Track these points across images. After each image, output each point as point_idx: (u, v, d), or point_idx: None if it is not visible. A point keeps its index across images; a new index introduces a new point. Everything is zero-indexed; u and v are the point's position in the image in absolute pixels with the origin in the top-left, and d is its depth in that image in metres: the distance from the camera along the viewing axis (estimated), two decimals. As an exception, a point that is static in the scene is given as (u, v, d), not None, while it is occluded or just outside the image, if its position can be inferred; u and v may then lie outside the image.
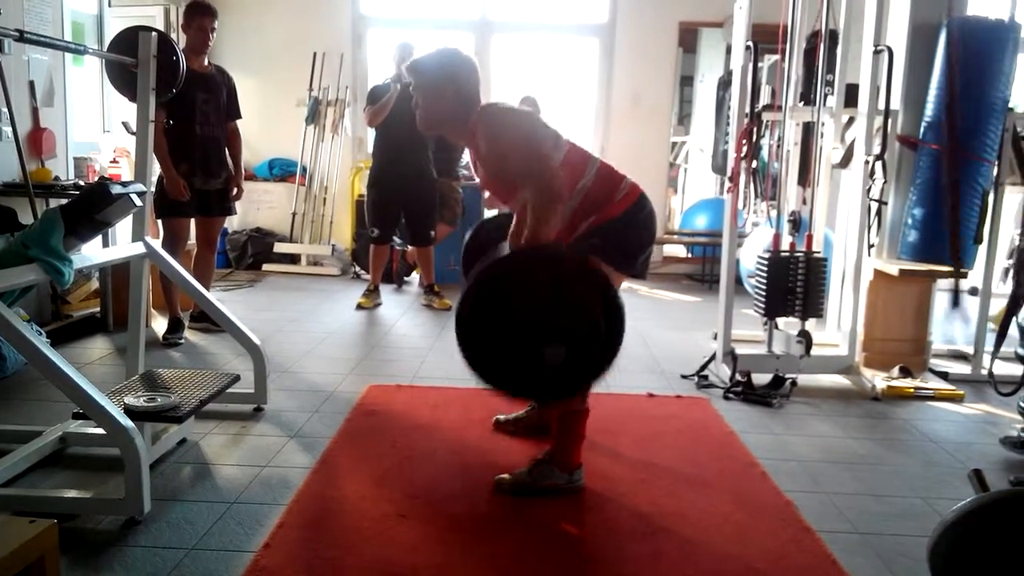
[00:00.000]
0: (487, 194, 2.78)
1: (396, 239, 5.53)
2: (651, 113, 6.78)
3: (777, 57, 4.00)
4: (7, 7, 3.94)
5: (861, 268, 3.67)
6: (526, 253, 2.13)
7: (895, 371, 3.63)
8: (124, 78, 2.73)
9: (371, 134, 5.48)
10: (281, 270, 6.51)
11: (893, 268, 3.62)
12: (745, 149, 3.52)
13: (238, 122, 4.31)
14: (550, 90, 6.72)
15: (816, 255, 3.50)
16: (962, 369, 3.84)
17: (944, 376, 3.71)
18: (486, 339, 2.01)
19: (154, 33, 2.67)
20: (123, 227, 3.25)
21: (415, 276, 6.15)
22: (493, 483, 2.35)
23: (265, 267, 6.52)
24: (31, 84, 4.16)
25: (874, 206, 3.63)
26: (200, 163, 4.05)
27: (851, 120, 3.94)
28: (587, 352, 2.02)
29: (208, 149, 4.09)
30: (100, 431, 2.29)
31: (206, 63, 4.10)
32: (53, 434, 2.48)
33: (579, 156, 2.35)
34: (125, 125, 5.18)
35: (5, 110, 3.69)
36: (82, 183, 4.14)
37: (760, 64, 3.72)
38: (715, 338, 3.73)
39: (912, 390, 3.48)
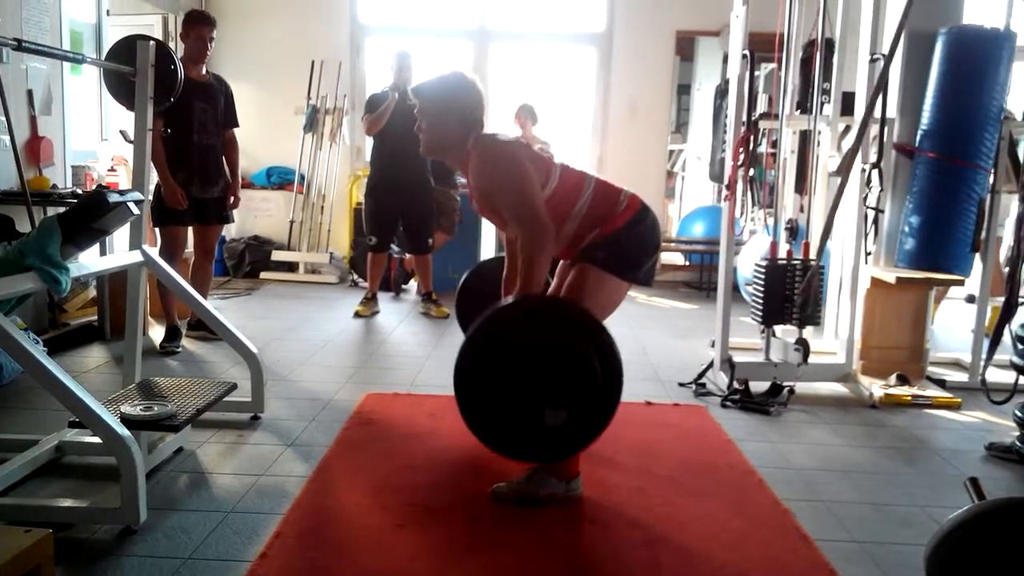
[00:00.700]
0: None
1: (394, 247, 5.53)
2: (648, 121, 6.80)
3: (774, 66, 4.02)
4: (5, 16, 3.95)
5: (858, 276, 3.67)
6: (515, 307, 2.16)
7: (892, 379, 3.63)
8: (122, 87, 2.73)
9: (369, 142, 5.49)
10: (279, 278, 6.50)
11: (890, 276, 3.63)
12: (742, 157, 3.54)
13: (236, 130, 4.31)
14: (548, 99, 6.73)
15: (813, 263, 3.50)
16: (960, 377, 3.85)
17: (942, 384, 3.72)
18: (485, 400, 2.08)
19: (152, 42, 2.68)
20: (121, 235, 3.25)
21: (413, 284, 6.15)
22: (491, 492, 2.34)
23: (263, 275, 6.52)
24: (29, 93, 4.17)
25: (871, 214, 3.64)
26: (198, 171, 4.05)
27: (847, 128, 3.96)
28: (587, 409, 2.07)
29: (206, 157, 4.09)
30: (96, 440, 2.28)
31: (204, 72, 4.11)
32: (49, 443, 2.48)
33: (573, 180, 2.35)
34: (123, 134, 5.20)
35: (3, 118, 3.69)
36: (80, 191, 4.14)
37: (757, 73, 3.74)
38: (712, 346, 3.73)
39: (909, 398, 3.48)
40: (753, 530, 2.20)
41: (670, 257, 7.17)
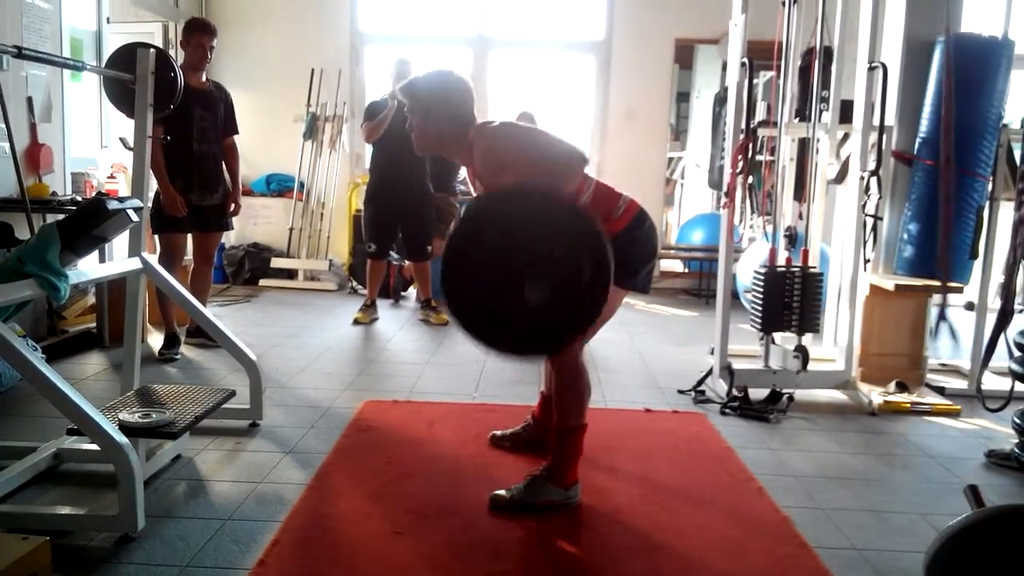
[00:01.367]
0: None
1: (393, 254, 5.54)
2: (647, 129, 6.81)
3: (772, 74, 4.03)
4: (5, 23, 3.96)
5: (857, 283, 3.68)
6: (527, 186, 2.12)
7: (891, 386, 3.63)
8: (122, 94, 2.74)
9: (368, 150, 5.50)
10: (278, 285, 6.50)
11: (889, 283, 3.63)
12: (741, 165, 3.54)
13: (236, 137, 4.32)
14: (547, 106, 6.75)
15: (812, 270, 3.51)
16: (959, 384, 3.85)
17: (941, 391, 3.71)
18: (471, 261, 2.02)
19: (152, 50, 2.69)
20: (120, 242, 3.25)
21: (412, 291, 6.15)
22: (489, 499, 2.34)
23: (262, 282, 6.52)
24: (29, 100, 4.18)
25: (870, 221, 3.65)
26: (197, 179, 4.06)
27: (846, 136, 3.97)
28: (568, 296, 1.99)
29: (205, 165, 4.10)
30: (94, 447, 2.28)
31: (204, 79, 4.12)
32: (47, 450, 2.47)
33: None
34: (123, 141, 5.18)
35: (3, 125, 3.69)
36: (79, 198, 4.14)
37: (755, 80, 3.75)
38: (712, 353, 3.73)
39: (908, 405, 3.47)
40: (752, 537, 2.20)
41: (669, 264, 7.18)
